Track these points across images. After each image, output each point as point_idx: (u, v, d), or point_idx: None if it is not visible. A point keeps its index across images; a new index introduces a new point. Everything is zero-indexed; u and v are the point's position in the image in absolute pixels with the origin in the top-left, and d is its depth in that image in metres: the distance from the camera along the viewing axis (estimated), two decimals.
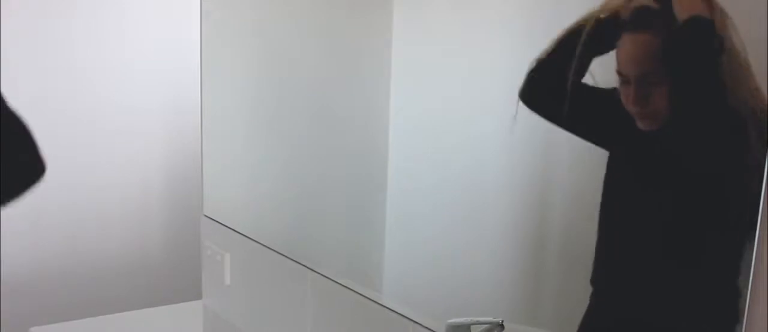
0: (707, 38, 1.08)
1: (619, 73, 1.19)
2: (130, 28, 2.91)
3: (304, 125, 1.97)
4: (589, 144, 1.30)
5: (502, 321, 1.33)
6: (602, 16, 1.23)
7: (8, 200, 1.11)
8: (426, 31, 1.62)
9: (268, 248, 2.03)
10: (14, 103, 1.40)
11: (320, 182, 1.94)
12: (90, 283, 2.97)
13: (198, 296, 2.39)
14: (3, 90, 1.14)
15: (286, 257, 1.96)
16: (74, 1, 2.78)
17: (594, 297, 1.35)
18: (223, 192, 2.29)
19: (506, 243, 1.49)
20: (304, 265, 1.89)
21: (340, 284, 1.77)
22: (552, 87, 1.33)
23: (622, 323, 1.31)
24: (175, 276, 3.05)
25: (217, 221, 2.26)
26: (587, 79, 1.27)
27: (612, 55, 1.21)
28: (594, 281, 1.35)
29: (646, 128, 1.20)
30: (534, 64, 1.33)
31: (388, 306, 1.65)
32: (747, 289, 1.04)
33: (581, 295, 1.32)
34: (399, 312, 1.61)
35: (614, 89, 1.22)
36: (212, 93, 2.27)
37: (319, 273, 1.84)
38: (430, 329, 1.52)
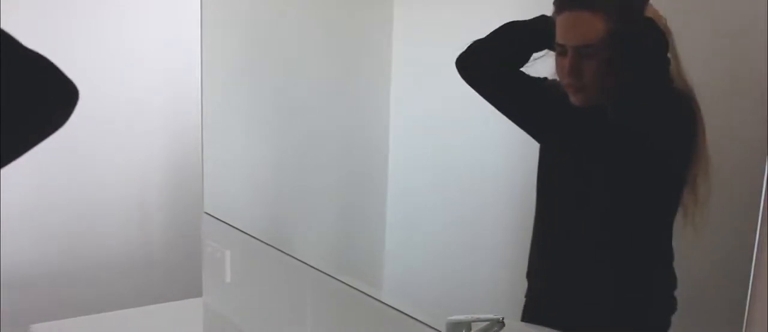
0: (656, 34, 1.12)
1: (558, 43, 1.22)
2: (131, 27, 2.92)
3: (305, 123, 1.97)
4: None
5: (503, 319, 1.34)
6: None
7: (52, 128, 1.16)
8: (426, 31, 1.63)
9: (269, 245, 2.04)
10: None
11: (321, 180, 1.94)
12: (90, 280, 2.97)
13: (198, 293, 2.39)
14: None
15: (286, 254, 1.96)
16: (74, 0, 2.78)
17: (529, 293, 1.37)
18: (224, 189, 2.29)
19: (506, 241, 1.50)
20: (304, 262, 1.90)
21: (341, 281, 1.78)
22: (488, 62, 1.37)
23: (556, 319, 1.33)
24: (175, 273, 3.06)
25: (217, 219, 2.26)
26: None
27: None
28: (529, 275, 1.36)
29: (577, 103, 1.22)
30: (480, 39, 1.37)
31: (388, 303, 1.65)
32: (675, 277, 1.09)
33: None
34: (399, 309, 1.61)
35: (545, 79, 1.27)
36: (213, 91, 2.28)
37: (319, 270, 1.85)
38: (430, 326, 1.52)
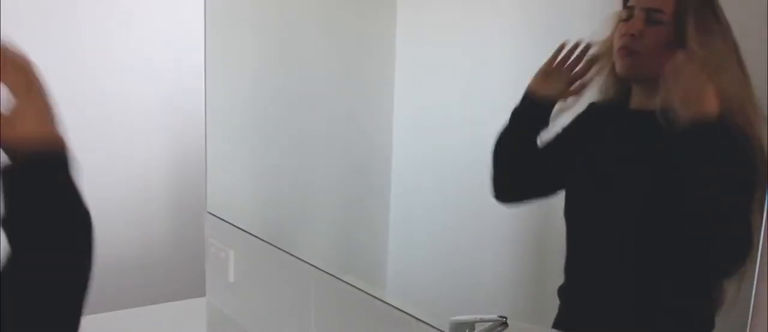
0: (712, 142, 1.09)
1: (627, 7, 1.20)
2: (133, 25, 2.92)
3: (308, 122, 1.97)
4: None
5: (506, 319, 1.34)
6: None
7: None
8: (429, 31, 1.63)
9: (272, 245, 2.04)
10: None
11: (324, 179, 1.95)
12: (93, 280, 2.97)
13: (202, 293, 2.39)
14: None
15: (290, 254, 1.97)
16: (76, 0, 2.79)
17: (562, 307, 1.36)
18: (227, 189, 2.29)
19: (510, 241, 1.50)
20: (308, 262, 1.90)
21: (344, 281, 1.78)
22: (515, 178, 1.41)
23: None
24: (178, 273, 3.06)
25: (220, 219, 2.27)
26: None
27: None
28: (561, 292, 1.35)
29: (622, 71, 1.21)
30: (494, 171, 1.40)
31: (391, 303, 1.65)
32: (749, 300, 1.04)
33: None
34: (402, 309, 1.62)
35: (565, 129, 1.31)
36: (216, 90, 2.28)
37: (323, 271, 1.85)
38: (433, 326, 1.52)
